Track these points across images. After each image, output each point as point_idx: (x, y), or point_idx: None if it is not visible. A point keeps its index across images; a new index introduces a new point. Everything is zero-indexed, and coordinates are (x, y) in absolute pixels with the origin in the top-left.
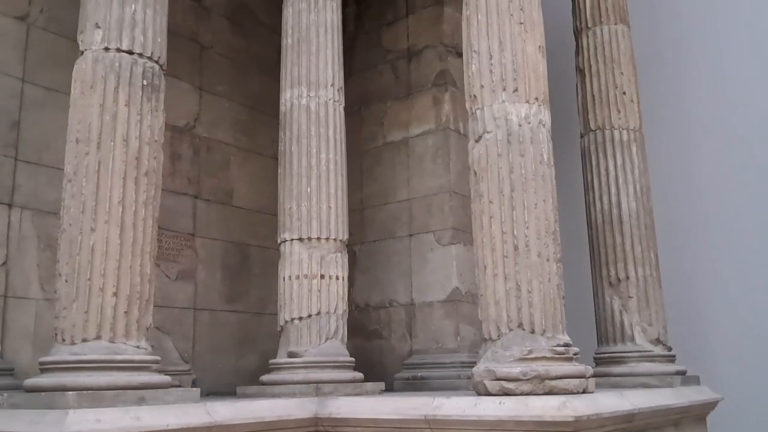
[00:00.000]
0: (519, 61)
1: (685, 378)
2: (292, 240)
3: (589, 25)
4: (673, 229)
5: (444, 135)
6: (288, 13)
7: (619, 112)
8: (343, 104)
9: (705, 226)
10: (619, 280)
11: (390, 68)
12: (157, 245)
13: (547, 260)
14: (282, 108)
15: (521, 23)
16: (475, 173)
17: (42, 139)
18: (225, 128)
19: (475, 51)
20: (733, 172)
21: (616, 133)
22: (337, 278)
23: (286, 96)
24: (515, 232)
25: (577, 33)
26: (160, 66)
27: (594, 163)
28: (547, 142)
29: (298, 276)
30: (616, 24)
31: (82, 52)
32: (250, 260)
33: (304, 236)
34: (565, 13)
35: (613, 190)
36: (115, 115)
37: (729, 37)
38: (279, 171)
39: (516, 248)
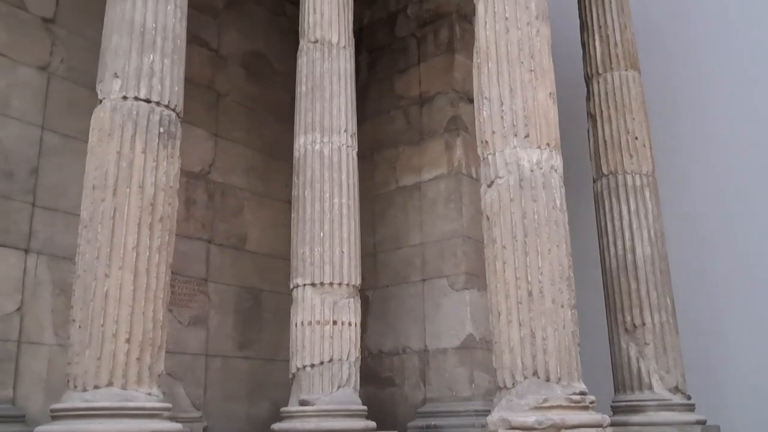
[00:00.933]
0: (530, 107)
1: (705, 428)
2: (304, 285)
3: (600, 72)
4: (689, 274)
5: (456, 179)
6: (302, 62)
7: (631, 156)
8: (356, 149)
9: (720, 272)
10: (635, 326)
11: (402, 114)
12: (170, 291)
13: (562, 306)
14: (296, 153)
15: (532, 71)
16: (488, 218)
17: (60, 185)
18: (239, 174)
19: (486, 98)
20: (748, 216)
21: (629, 177)
22: (350, 324)
23: (300, 141)
24: (529, 278)
25: (588, 79)
26: (177, 114)
27: (607, 207)
28: (559, 187)
29: (311, 322)
30: (626, 70)
31: (101, 101)
32: (263, 306)
33: (317, 281)
34: (575, 59)
35: (627, 235)
36: (131, 162)
37: (739, 80)
38: (292, 216)
39: (530, 294)
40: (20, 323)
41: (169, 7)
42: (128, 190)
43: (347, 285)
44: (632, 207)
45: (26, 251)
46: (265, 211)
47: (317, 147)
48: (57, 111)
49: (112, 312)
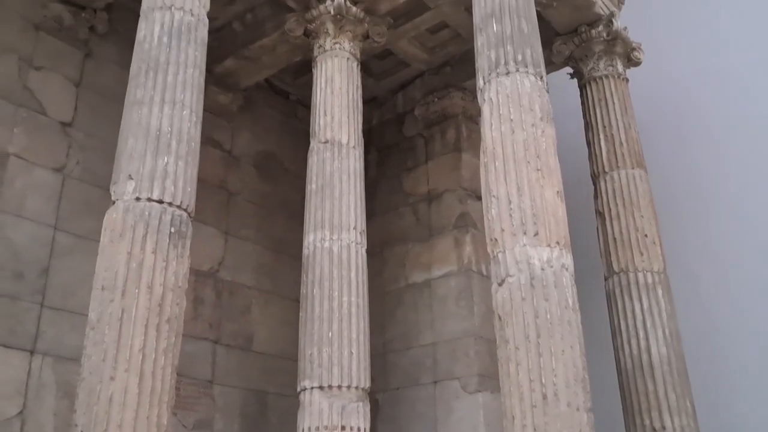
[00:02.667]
0: (538, 205)
1: None
2: (312, 388)
3: (606, 170)
4: (707, 374)
5: (467, 277)
6: (313, 162)
7: (641, 254)
8: (366, 246)
9: (740, 370)
10: (654, 430)
11: (411, 211)
12: (174, 394)
13: (577, 410)
14: (305, 251)
15: (538, 170)
16: (500, 318)
17: (69, 285)
18: (248, 271)
19: (494, 196)
20: (765, 310)
21: (640, 275)
22: (359, 430)
23: (309, 239)
24: (543, 380)
25: (595, 177)
26: (189, 213)
27: (620, 306)
28: (570, 285)
29: (318, 428)
30: (633, 168)
31: (114, 202)
32: (269, 409)
33: (325, 384)
34: (581, 157)
35: (641, 334)
36: (141, 263)
37: (742, 176)
38: (300, 315)
39: (544, 397)
40: (21, 428)
41: (184, 113)
42: (137, 290)
43: (356, 388)
44: (645, 305)
45: (32, 352)
46: (273, 310)
47: (326, 244)
48: (70, 211)
49: (116, 417)
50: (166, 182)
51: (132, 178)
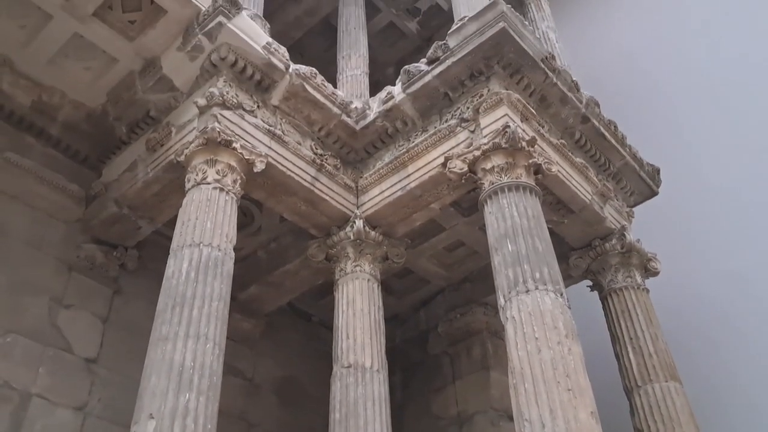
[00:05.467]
0: (573, 429)
1: None
2: None
3: (639, 384)
4: None
5: None
6: (336, 388)
7: None
8: None
9: None
10: None
11: None
12: None
13: None
14: None
15: (569, 390)
16: None
17: None
18: None
19: (526, 420)
20: None
21: None
22: None
23: None
24: None
25: (628, 392)
26: None
27: None
28: None
29: None
30: (666, 381)
31: None
32: None
33: None
34: (611, 369)
35: None
36: None
37: None
38: None
39: None
40: None
41: (208, 346)
42: None
43: None
44: None
45: None
46: None
47: None
48: None
49: None
50: (186, 420)
51: (153, 417)
